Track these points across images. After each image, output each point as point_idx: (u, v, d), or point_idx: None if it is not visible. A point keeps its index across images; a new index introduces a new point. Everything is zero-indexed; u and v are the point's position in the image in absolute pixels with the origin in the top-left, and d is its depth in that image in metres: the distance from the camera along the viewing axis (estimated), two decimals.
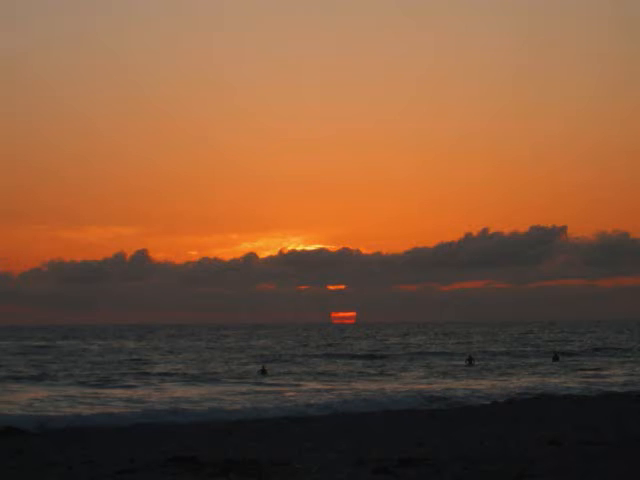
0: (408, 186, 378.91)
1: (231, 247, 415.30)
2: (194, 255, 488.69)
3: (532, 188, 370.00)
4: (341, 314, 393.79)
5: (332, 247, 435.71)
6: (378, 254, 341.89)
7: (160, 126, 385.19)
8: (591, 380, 53.27)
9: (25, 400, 39.50)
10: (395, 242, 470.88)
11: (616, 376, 57.13)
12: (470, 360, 72.28)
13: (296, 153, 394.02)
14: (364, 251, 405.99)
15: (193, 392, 44.87)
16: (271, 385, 50.16)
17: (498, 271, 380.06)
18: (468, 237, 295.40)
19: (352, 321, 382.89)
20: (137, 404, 38.19)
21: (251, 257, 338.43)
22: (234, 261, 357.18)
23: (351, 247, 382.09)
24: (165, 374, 60.67)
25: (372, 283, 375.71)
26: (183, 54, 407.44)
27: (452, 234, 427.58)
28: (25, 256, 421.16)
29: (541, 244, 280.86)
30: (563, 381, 52.68)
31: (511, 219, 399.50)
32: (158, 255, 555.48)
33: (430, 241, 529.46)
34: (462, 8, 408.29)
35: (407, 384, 50.58)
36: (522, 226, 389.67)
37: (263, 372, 61.08)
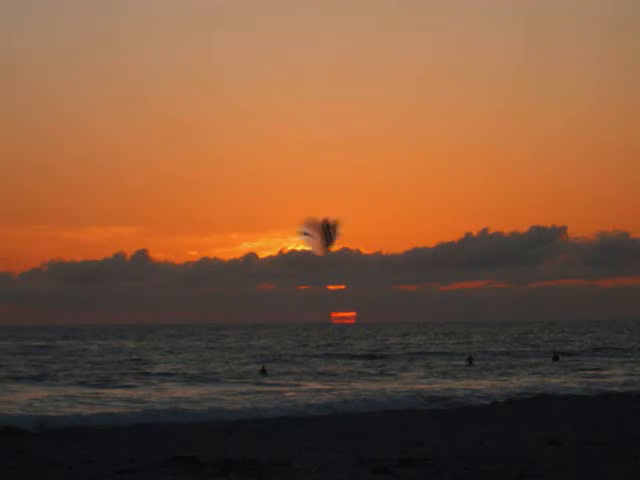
0: (408, 186, 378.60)
1: (231, 247, 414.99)
2: (194, 255, 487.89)
3: (532, 188, 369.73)
4: (341, 314, 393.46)
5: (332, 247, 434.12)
6: (378, 254, 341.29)
7: (160, 126, 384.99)
8: (591, 380, 53.23)
9: (25, 400, 39.49)
10: (395, 242, 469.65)
11: (616, 376, 57.10)
12: (470, 360, 72.25)
13: (296, 153, 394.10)
14: (364, 251, 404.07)
15: (193, 392, 44.87)
16: (271, 385, 50.15)
17: (498, 271, 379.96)
18: (468, 237, 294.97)
19: (352, 321, 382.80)
20: (137, 404, 38.17)
21: (251, 257, 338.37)
22: (234, 261, 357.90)
23: (351, 247, 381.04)
24: (165, 374, 60.64)
25: (372, 283, 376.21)
26: (183, 54, 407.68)
27: (452, 234, 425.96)
28: (25, 256, 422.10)
29: (541, 244, 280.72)
30: (563, 381, 52.65)
31: (511, 219, 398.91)
32: (158, 255, 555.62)
33: (430, 241, 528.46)
34: (462, 8, 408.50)
35: (407, 384, 50.56)
36: (522, 226, 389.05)
37: (263, 372, 61.06)
